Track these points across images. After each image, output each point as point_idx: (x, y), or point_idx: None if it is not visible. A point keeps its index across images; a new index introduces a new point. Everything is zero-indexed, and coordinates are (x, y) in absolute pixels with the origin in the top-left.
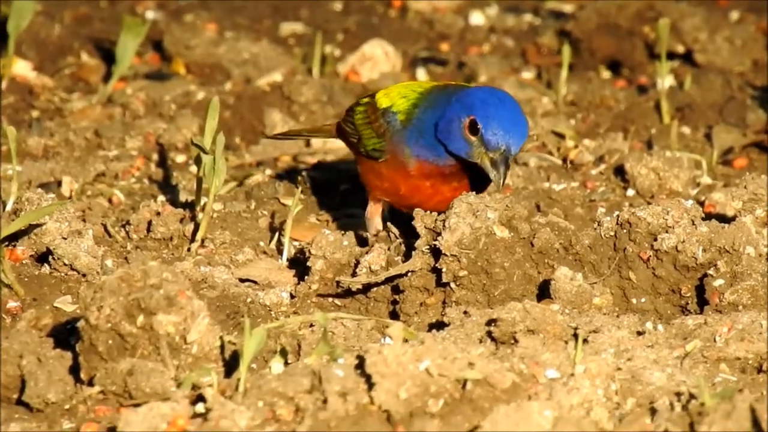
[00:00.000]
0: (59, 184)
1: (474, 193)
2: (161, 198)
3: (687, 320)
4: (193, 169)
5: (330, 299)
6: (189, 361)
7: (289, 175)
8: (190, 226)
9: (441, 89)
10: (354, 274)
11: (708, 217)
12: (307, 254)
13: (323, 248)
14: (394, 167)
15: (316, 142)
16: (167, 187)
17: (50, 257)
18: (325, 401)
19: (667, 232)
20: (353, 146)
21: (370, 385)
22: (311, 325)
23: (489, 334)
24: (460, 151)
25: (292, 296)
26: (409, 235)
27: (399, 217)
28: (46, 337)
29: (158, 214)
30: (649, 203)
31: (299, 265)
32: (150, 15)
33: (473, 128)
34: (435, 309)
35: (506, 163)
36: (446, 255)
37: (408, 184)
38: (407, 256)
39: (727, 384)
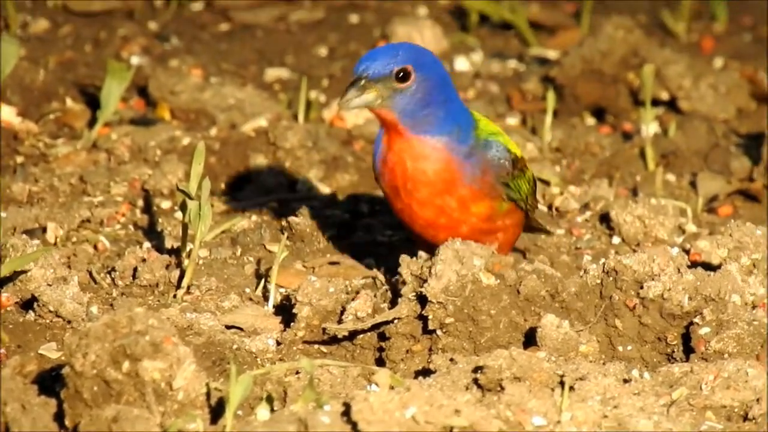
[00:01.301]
0: (44, 230)
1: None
2: (147, 244)
3: (673, 368)
4: (179, 215)
5: (316, 346)
6: (175, 408)
7: (275, 221)
8: (176, 273)
9: None
10: (340, 321)
11: (693, 265)
12: (294, 301)
13: (309, 295)
14: None
15: (301, 188)
16: (153, 233)
17: (35, 304)
18: None
19: (653, 280)
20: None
21: None
22: (297, 372)
23: (475, 381)
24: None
25: (278, 343)
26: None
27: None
28: (31, 384)
29: (144, 260)
30: (634, 251)
31: (285, 311)
32: (135, 60)
33: None
34: (421, 356)
35: (353, 83)
36: (432, 302)
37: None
38: (393, 303)
39: None
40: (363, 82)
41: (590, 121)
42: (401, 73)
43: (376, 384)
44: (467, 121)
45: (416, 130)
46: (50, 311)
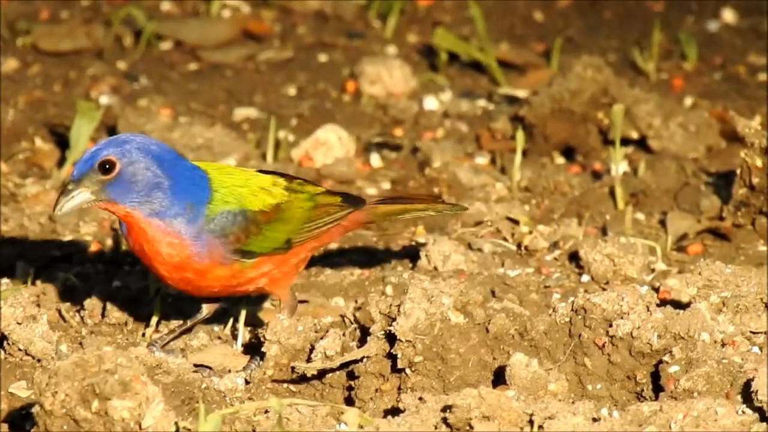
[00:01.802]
0: (13, 269)
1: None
2: (116, 282)
3: (642, 407)
4: None
5: (285, 385)
6: None
7: None
8: (145, 311)
9: None
10: (309, 360)
11: (663, 303)
12: (262, 339)
13: (278, 333)
14: None
15: None
16: (121, 272)
17: (5, 342)
18: None
19: (622, 318)
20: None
21: None
22: (266, 411)
23: (444, 420)
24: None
25: (247, 382)
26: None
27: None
28: (1, 422)
29: (112, 299)
30: (604, 289)
31: (254, 350)
32: (104, 100)
33: None
34: (390, 395)
35: (63, 190)
36: (401, 341)
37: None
38: (362, 342)
39: None
40: (70, 185)
41: (560, 160)
42: (105, 165)
43: (345, 423)
44: (199, 199)
45: (146, 212)
46: (20, 350)
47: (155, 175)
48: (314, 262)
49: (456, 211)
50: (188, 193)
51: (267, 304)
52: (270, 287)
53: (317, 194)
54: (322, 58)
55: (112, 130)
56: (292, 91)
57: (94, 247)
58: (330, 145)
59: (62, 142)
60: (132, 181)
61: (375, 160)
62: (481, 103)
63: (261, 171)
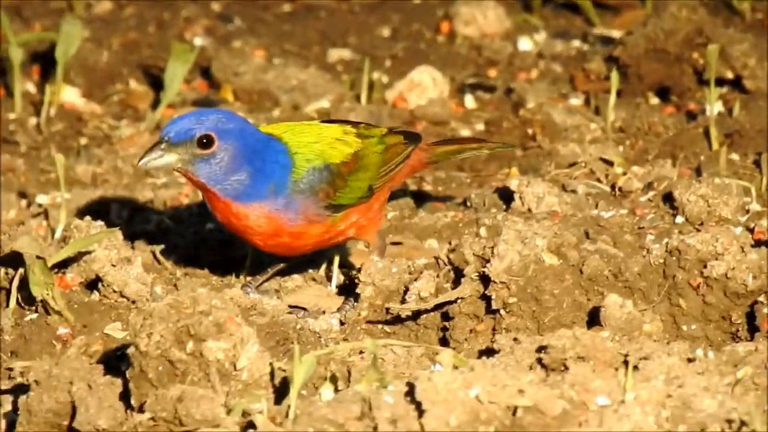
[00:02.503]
0: (108, 211)
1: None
2: (209, 225)
3: (737, 347)
4: None
5: (380, 326)
6: (239, 388)
7: None
8: (239, 253)
9: None
10: (403, 301)
11: (758, 244)
12: (357, 281)
13: (372, 275)
14: None
15: None
16: None
17: (100, 284)
18: (375, 428)
19: (716, 259)
20: None
21: (420, 412)
22: (361, 352)
23: (539, 361)
24: None
25: (341, 323)
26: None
27: None
28: (97, 363)
29: (206, 240)
30: (698, 230)
31: (348, 291)
32: (198, 41)
33: None
34: (485, 336)
35: (156, 145)
36: (495, 282)
37: None
38: (456, 283)
39: None
40: (163, 144)
41: (654, 100)
42: (204, 140)
43: (440, 364)
44: (281, 173)
45: (227, 194)
46: (115, 291)
47: (243, 163)
48: (409, 205)
49: (506, 149)
50: (271, 173)
51: (361, 246)
52: (359, 235)
53: (384, 136)
54: None
55: (206, 72)
56: (386, 32)
57: (188, 189)
58: (424, 87)
59: (156, 83)
60: (220, 163)
61: (469, 101)
62: (576, 43)
63: (324, 121)
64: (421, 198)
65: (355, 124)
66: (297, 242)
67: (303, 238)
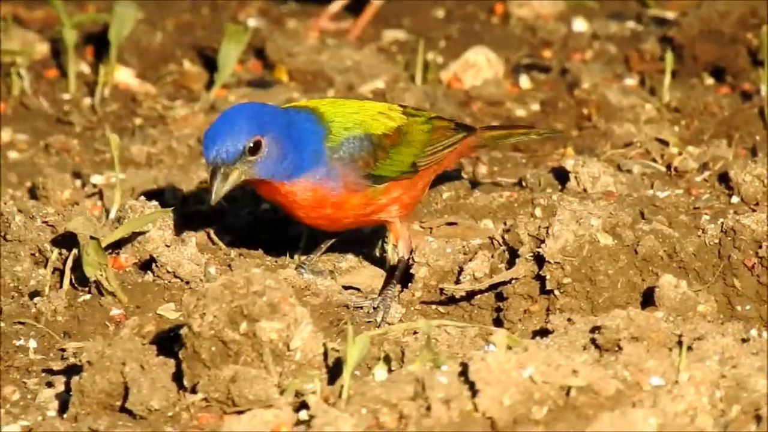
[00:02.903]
0: (162, 191)
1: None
2: (264, 205)
3: None
4: None
5: (433, 306)
6: (292, 368)
7: None
8: (293, 233)
9: None
10: (458, 282)
11: None
12: (411, 262)
13: (427, 255)
14: None
15: None
16: None
17: (153, 265)
18: (428, 408)
19: None
20: None
21: (474, 392)
22: (415, 332)
23: (593, 341)
24: None
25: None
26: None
27: None
28: (149, 344)
29: (260, 221)
30: (753, 210)
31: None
32: (252, 22)
33: None
34: (539, 316)
35: (214, 174)
36: (550, 262)
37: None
38: (511, 264)
39: None
40: (222, 169)
41: (709, 81)
42: (253, 145)
43: (494, 344)
44: (318, 141)
45: (281, 178)
46: (168, 272)
47: (286, 144)
48: (464, 184)
49: (554, 135)
50: (309, 142)
51: (415, 227)
52: (401, 212)
53: (432, 118)
54: None
55: (260, 53)
56: (440, 13)
57: None
58: (479, 67)
59: (210, 64)
60: (271, 156)
61: (524, 81)
62: (630, 24)
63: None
64: (474, 177)
65: (402, 106)
66: (338, 213)
67: (344, 208)
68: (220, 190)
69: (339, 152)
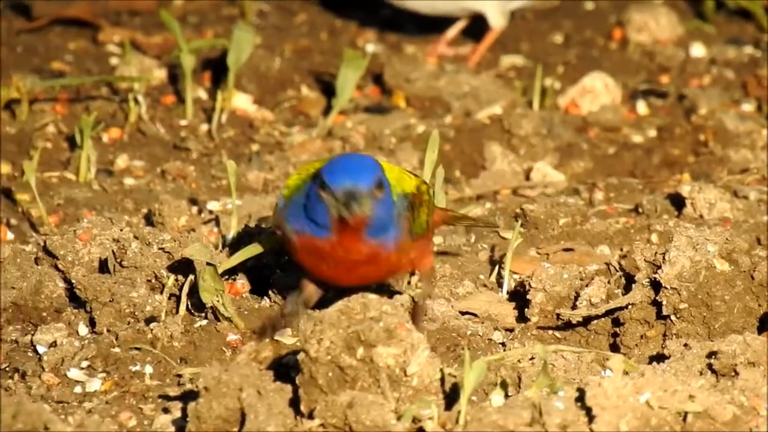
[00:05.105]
0: None
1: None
2: None
3: None
4: None
5: (550, 332)
6: (409, 394)
7: (509, 208)
8: None
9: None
10: (574, 307)
11: None
12: (527, 287)
13: (543, 281)
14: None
15: (536, 175)
16: None
17: (270, 290)
18: None
19: None
20: None
21: (591, 418)
22: (532, 358)
23: (709, 366)
24: (325, 217)
25: (512, 329)
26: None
27: None
28: (266, 369)
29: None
30: None
31: (519, 298)
32: (370, 48)
33: (322, 185)
34: (655, 341)
35: (355, 198)
36: (666, 288)
37: (302, 259)
38: (627, 289)
39: None
40: (364, 192)
41: None
42: (379, 182)
43: (610, 369)
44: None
45: (370, 232)
46: (284, 297)
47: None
48: (580, 210)
49: (491, 226)
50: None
51: (532, 252)
52: (419, 265)
53: (418, 176)
54: (589, 5)
55: (377, 78)
56: (558, 38)
57: None
58: (596, 93)
59: (328, 90)
60: (386, 199)
61: (641, 107)
62: (748, 50)
63: None
64: (591, 204)
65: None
66: (372, 269)
67: (383, 264)
68: (369, 209)
69: (395, 219)
